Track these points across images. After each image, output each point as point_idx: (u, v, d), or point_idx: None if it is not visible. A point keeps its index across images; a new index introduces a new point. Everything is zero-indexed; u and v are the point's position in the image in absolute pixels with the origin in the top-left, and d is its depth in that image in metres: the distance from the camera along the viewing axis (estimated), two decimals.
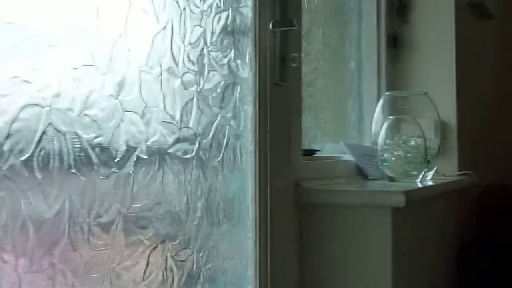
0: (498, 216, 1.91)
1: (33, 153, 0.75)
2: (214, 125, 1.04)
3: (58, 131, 0.78)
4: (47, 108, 0.77)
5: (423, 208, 1.44)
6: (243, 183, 1.10)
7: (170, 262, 0.95)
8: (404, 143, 1.47)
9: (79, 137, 0.81)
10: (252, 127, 1.12)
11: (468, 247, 1.82)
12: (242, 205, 1.09)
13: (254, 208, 1.13)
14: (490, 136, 2.38)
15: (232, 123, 1.08)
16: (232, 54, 1.08)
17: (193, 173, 0.99)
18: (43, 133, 0.76)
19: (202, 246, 1.01)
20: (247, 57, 1.11)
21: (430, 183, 1.52)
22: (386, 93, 1.67)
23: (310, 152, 1.44)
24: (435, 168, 1.63)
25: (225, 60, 1.07)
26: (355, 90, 1.82)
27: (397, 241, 1.22)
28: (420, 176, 1.47)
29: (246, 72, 1.11)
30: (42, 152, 0.76)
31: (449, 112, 1.80)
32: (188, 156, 0.98)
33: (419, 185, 1.42)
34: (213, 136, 1.03)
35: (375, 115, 1.60)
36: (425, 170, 1.52)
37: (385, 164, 1.47)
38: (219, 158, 1.05)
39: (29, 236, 0.74)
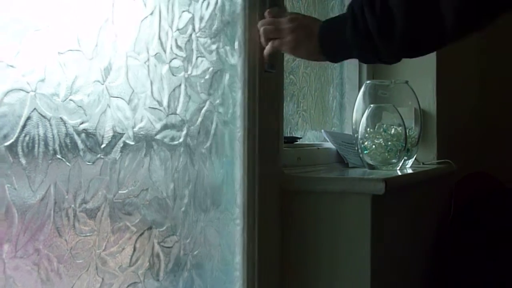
0: (475, 204, 1.92)
1: (17, 138, 0.74)
2: (202, 111, 1.03)
3: (43, 116, 0.78)
4: (32, 93, 0.76)
5: (402, 195, 1.45)
6: (231, 170, 1.10)
7: (156, 248, 0.95)
8: (384, 131, 1.49)
9: (64, 122, 0.80)
10: (241, 114, 1.12)
11: (445, 234, 1.84)
12: (229, 192, 1.09)
13: (242, 195, 1.13)
14: (469, 125, 2.38)
15: (221, 110, 1.07)
16: (221, 41, 1.08)
17: (181, 160, 0.99)
18: (28, 118, 0.76)
19: (189, 232, 1.01)
20: (236, 43, 1.11)
21: (409, 171, 1.54)
22: (367, 82, 1.67)
23: (291, 140, 1.45)
24: (414, 156, 1.66)
25: (214, 47, 1.06)
26: (336, 78, 1.83)
27: (376, 227, 1.23)
28: (400, 164, 1.49)
29: (235, 58, 1.11)
30: (27, 138, 0.76)
31: (429, 101, 1.81)
32: (175, 142, 0.98)
33: (399, 173, 1.44)
34: (201, 122, 1.03)
35: (356, 103, 1.61)
36: (405, 158, 1.54)
37: (365, 152, 1.48)
38: (207, 145, 1.04)
39: (13, 222, 0.74)
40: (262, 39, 1.10)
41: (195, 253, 1.02)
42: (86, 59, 0.83)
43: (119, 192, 0.88)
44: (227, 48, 1.09)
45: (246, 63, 1.13)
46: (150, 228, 0.94)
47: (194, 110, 1.01)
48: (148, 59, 0.93)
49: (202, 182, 1.03)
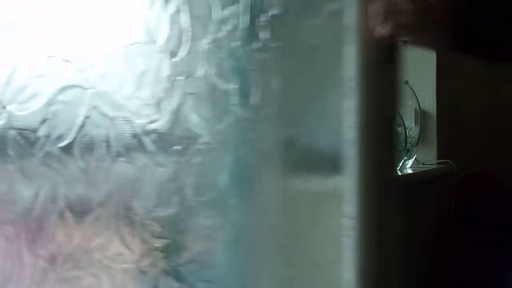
0: (475, 204, 1.87)
1: (74, 139, 0.69)
2: (300, 108, 0.92)
3: (105, 115, 0.72)
4: (91, 90, 0.71)
5: (402, 195, 1.37)
6: (338, 175, 0.97)
7: (244, 260, 0.85)
8: None
9: (129, 122, 0.74)
10: (353, 111, 0.98)
11: (445, 234, 1.81)
12: (335, 200, 0.96)
13: (357, 204, 0.99)
14: (469, 125, 2.32)
15: (324, 106, 0.95)
16: (327, 29, 0.95)
17: (272, 163, 0.88)
18: (87, 117, 0.70)
19: (282, 243, 0.90)
20: (346, 32, 0.97)
21: (409, 171, 1.58)
22: None
23: None
24: (414, 156, 1.68)
25: (317, 36, 0.94)
26: None
27: None
28: (400, 164, 1.51)
29: (345, 48, 0.97)
30: (86, 138, 0.70)
31: (429, 101, 1.81)
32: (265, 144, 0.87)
33: (399, 173, 1.44)
34: (297, 121, 0.91)
35: None
36: (405, 158, 1.58)
37: None
38: (304, 146, 0.93)
39: (69, 229, 0.69)
40: (377, 24, 0.95)
41: (290, 266, 0.91)
42: (155, 51, 0.76)
43: (196, 198, 0.80)
44: (335, 37, 0.96)
45: (359, 53, 0.98)
46: (235, 238, 0.84)
47: (289, 107, 0.90)
48: (233, 50, 0.83)
49: (298, 188, 0.91)
